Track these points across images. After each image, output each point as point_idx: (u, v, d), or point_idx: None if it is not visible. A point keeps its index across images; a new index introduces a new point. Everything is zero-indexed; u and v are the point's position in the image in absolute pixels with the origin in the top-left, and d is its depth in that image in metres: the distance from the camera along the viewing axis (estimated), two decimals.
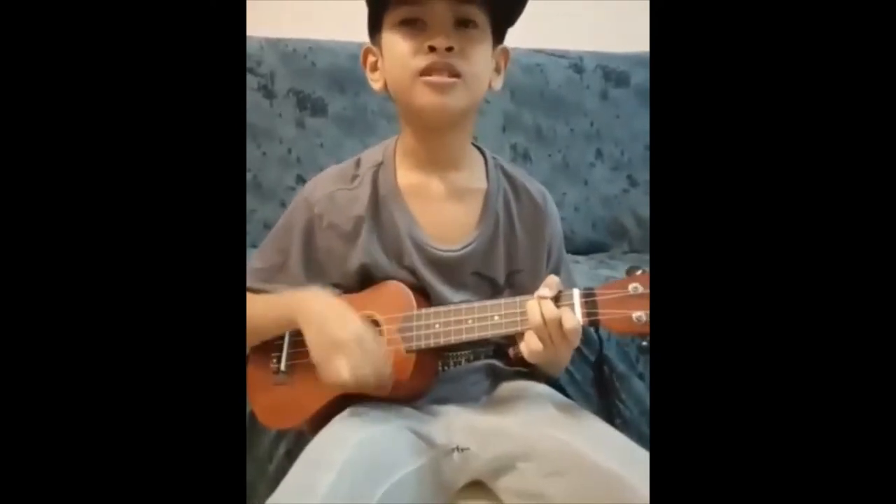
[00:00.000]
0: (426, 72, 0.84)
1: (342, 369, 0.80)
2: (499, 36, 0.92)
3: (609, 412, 1.29)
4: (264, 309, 0.92)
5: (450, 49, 0.83)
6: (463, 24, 0.85)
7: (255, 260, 0.99)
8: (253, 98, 1.72)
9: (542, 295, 0.79)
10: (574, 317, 0.77)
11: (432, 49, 0.83)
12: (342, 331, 0.82)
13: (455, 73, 0.84)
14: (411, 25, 0.85)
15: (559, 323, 0.77)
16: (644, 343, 0.86)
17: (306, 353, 0.86)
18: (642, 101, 1.90)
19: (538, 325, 0.78)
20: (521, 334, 0.81)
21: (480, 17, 0.86)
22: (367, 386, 0.81)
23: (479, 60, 0.87)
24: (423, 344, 0.85)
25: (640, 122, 1.87)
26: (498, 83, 0.93)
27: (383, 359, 0.82)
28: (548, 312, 0.77)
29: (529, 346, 0.79)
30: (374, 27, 0.91)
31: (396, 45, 0.86)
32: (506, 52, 0.94)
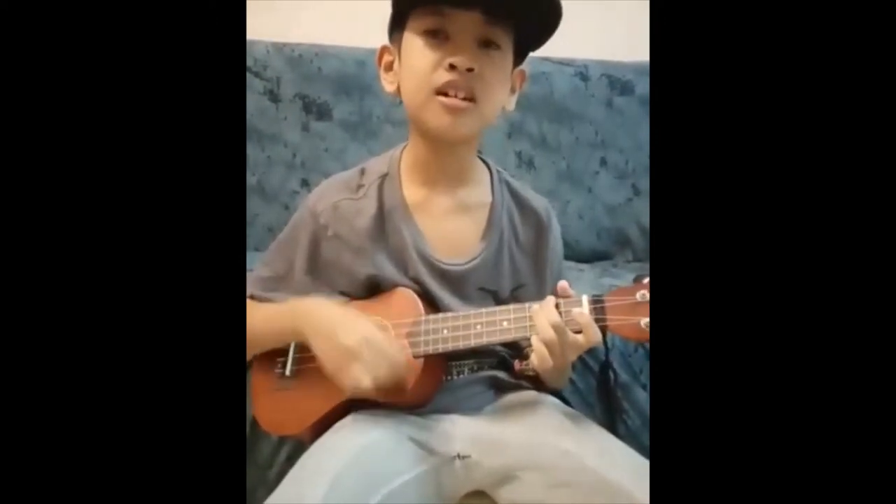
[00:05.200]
0: (442, 90, 0.82)
1: (360, 375, 0.78)
2: (520, 59, 0.91)
3: (612, 422, 1.28)
4: (267, 319, 0.90)
5: (470, 70, 0.82)
6: (486, 44, 0.84)
7: (259, 269, 0.98)
8: (258, 102, 1.73)
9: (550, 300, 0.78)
10: (584, 312, 0.76)
11: (452, 67, 0.81)
12: (352, 336, 0.79)
13: (470, 97, 0.83)
14: (434, 37, 0.83)
15: (563, 327, 0.76)
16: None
17: (312, 359, 0.86)
18: (647, 109, 1.89)
19: (546, 331, 0.76)
20: (531, 346, 0.80)
21: (505, 39, 0.85)
22: (387, 388, 0.79)
23: (497, 85, 0.86)
24: (430, 349, 0.85)
25: (645, 130, 1.87)
26: (511, 104, 0.92)
27: (398, 358, 0.80)
28: (551, 317, 0.77)
29: (539, 354, 0.78)
30: (396, 26, 0.88)
31: (416, 54, 0.84)
32: (522, 73, 0.93)
